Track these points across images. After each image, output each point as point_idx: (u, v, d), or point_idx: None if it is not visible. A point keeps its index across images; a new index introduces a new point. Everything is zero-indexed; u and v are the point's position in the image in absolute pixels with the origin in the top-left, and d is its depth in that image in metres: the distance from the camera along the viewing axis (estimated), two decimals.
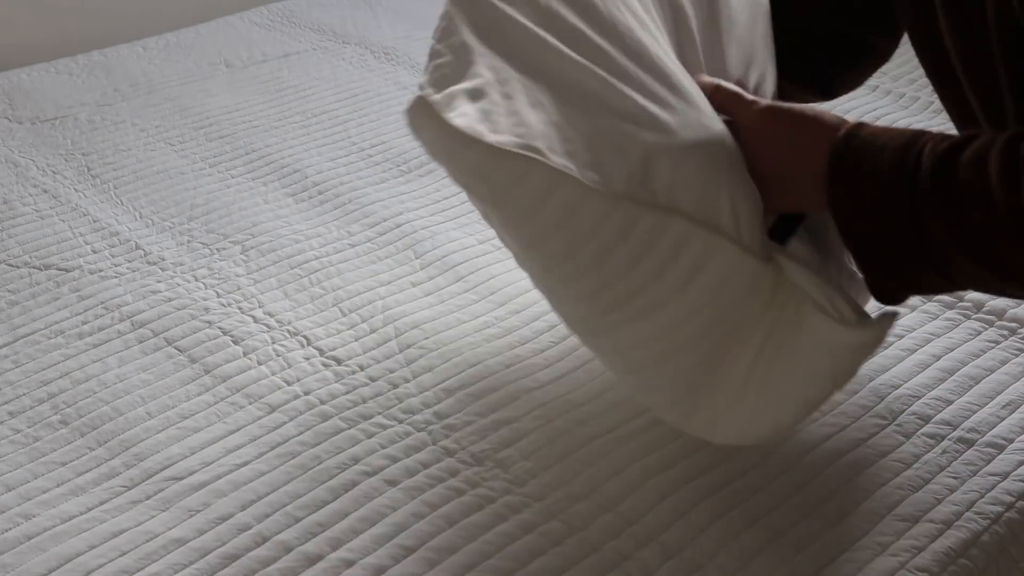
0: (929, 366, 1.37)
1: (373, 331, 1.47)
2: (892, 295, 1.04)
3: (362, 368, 1.41)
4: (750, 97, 1.08)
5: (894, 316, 1.05)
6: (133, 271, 1.62)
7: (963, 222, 0.91)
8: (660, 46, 1.09)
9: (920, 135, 0.96)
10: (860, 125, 1.00)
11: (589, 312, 1.10)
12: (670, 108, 1.02)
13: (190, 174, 1.88)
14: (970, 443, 1.26)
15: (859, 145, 0.97)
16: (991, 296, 1.48)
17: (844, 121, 1.01)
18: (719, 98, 1.08)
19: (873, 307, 1.11)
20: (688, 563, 1.12)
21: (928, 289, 1.03)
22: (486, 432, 1.29)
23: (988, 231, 0.90)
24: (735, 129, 1.07)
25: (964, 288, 1.02)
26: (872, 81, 2.15)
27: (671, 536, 1.14)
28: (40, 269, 1.63)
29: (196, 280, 1.59)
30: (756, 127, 1.05)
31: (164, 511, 1.20)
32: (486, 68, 1.04)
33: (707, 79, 1.12)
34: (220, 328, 1.48)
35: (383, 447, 1.28)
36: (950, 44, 1.03)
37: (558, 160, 0.98)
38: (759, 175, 1.05)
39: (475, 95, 1.01)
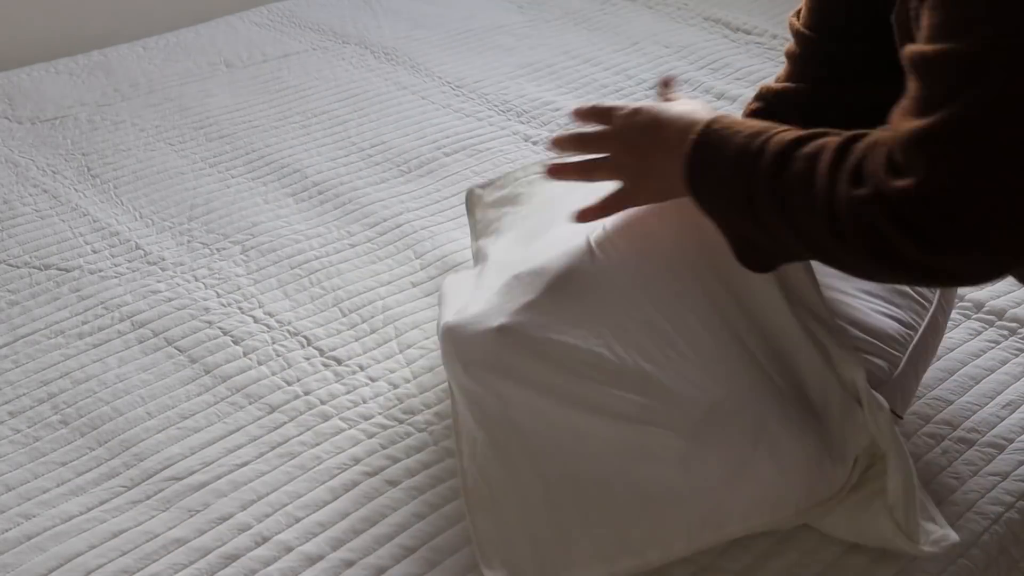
0: (929, 366, 1.37)
1: (373, 331, 1.47)
2: (749, 261, 1.07)
3: (362, 368, 1.41)
4: (621, 104, 1.15)
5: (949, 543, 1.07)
6: (133, 271, 1.62)
7: (787, 208, 0.96)
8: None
9: (773, 127, 1.00)
10: (721, 118, 1.05)
11: None
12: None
13: (190, 174, 1.88)
14: (970, 443, 1.25)
15: (716, 135, 1.03)
16: (991, 296, 1.48)
17: (711, 115, 1.07)
18: (593, 115, 1.16)
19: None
20: (689, 563, 1.11)
21: (779, 258, 1.06)
22: None
23: (807, 219, 0.94)
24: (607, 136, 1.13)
25: (805, 259, 1.06)
26: None
27: None
28: (40, 269, 1.63)
29: (196, 280, 1.59)
30: (626, 127, 1.13)
31: (164, 511, 1.20)
32: None
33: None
34: (220, 328, 1.48)
35: (383, 447, 1.28)
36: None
37: None
38: (631, 171, 1.12)
39: None
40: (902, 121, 0.88)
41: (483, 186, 1.48)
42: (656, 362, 1.08)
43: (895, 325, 1.22)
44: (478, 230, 1.43)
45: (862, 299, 1.22)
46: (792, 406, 1.08)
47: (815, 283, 1.15)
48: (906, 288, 1.27)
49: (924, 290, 1.28)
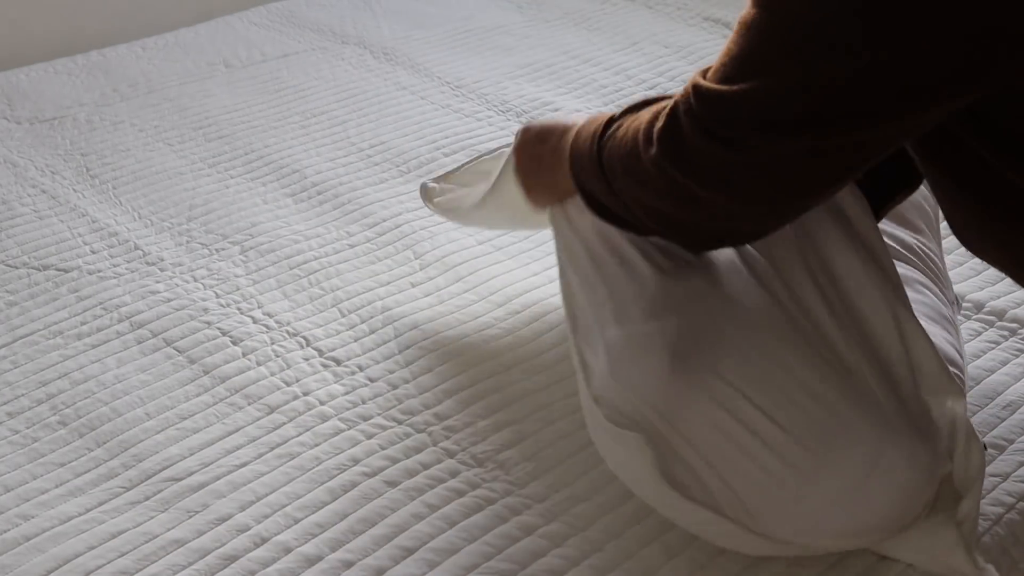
0: None
1: (372, 332, 1.47)
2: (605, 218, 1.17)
3: (361, 369, 1.40)
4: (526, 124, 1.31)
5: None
6: (132, 272, 1.62)
7: (609, 173, 1.10)
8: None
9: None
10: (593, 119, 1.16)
11: None
12: None
13: (189, 174, 1.88)
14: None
15: (583, 132, 1.16)
16: (992, 297, 1.48)
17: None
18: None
19: None
20: (691, 562, 1.11)
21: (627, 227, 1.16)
22: (487, 433, 1.29)
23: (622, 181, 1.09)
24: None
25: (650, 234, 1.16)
26: None
27: (674, 536, 1.14)
28: (39, 270, 1.63)
29: (195, 280, 1.59)
30: (523, 143, 1.29)
31: (163, 512, 1.20)
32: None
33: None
34: (219, 329, 1.48)
35: (383, 448, 1.28)
36: None
37: None
38: (530, 182, 1.28)
39: None
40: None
41: (436, 180, 1.53)
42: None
43: (953, 352, 1.23)
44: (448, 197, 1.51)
45: (926, 323, 1.23)
46: (904, 430, 1.07)
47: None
48: (944, 311, 1.29)
49: (948, 312, 1.30)
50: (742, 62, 0.94)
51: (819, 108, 0.92)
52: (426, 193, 1.52)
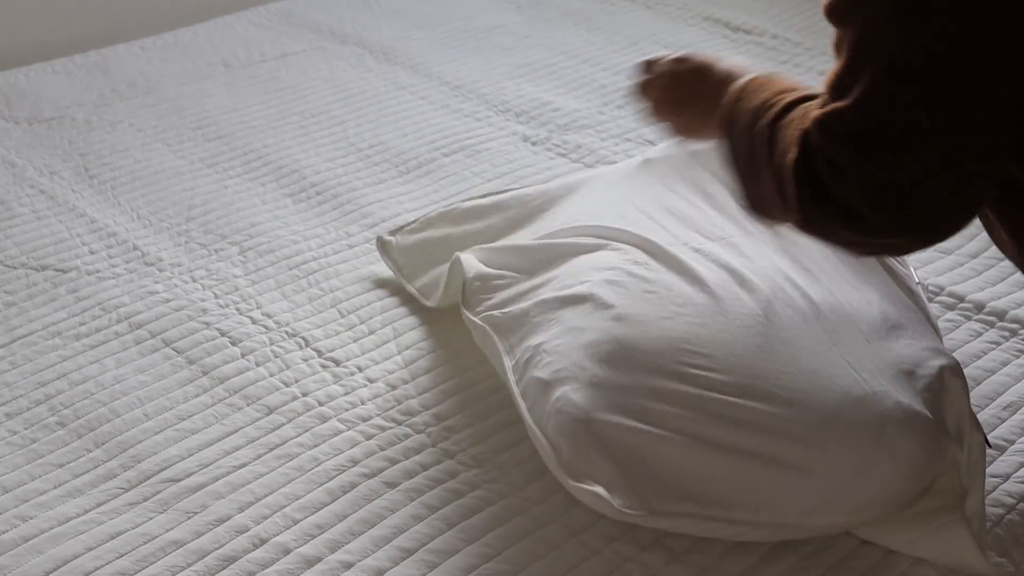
0: None
1: (372, 332, 1.47)
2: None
3: (360, 369, 1.40)
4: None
5: None
6: (130, 272, 1.61)
7: (761, 162, 1.09)
8: None
9: (791, 90, 1.11)
10: (755, 78, 1.16)
11: None
12: None
13: (188, 175, 1.87)
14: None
15: (743, 93, 1.15)
16: (992, 298, 1.48)
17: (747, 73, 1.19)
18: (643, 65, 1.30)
19: None
20: (693, 566, 1.11)
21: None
22: (486, 434, 1.28)
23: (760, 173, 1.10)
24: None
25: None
26: None
27: (675, 540, 1.14)
28: (37, 270, 1.63)
29: (194, 281, 1.59)
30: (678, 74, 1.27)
31: (162, 513, 1.20)
32: None
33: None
34: (218, 329, 1.48)
35: (382, 449, 1.28)
36: None
37: None
38: (681, 111, 1.27)
39: None
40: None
41: (393, 232, 1.58)
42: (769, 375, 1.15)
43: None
44: (406, 272, 1.54)
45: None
46: (906, 402, 1.12)
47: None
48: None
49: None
50: (848, 68, 0.99)
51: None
52: (383, 246, 1.57)
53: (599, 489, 1.11)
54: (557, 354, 1.21)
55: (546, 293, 1.31)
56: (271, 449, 1.28)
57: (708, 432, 1.11)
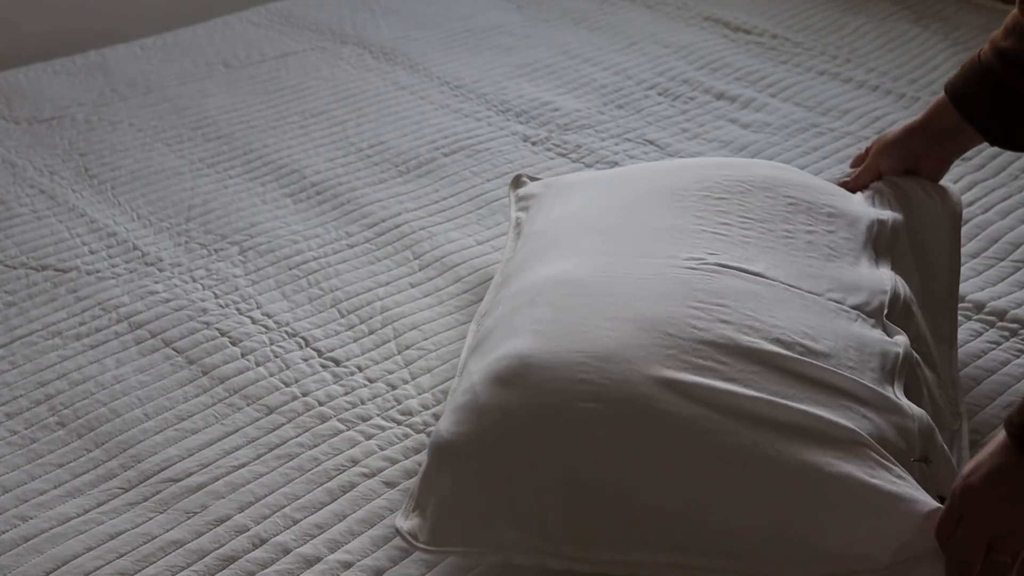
0: None
1: (371, 332, 1.47)
2: None
3: (360, 369, 1.40)
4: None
5: None
6: (130, 272, 1.61)
7: None
8: None
9: None
10: None
11: None
12: None
13: (188, 174, 1.87)
14: (972, 444, 1.25)
15: None
16: (992, 298, 1.48)
17: None
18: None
19: None
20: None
21: None
22: None
23: None
24: None
25: None
26: (873, 80, 2.14)
27: None
28: (37, 270, 1.63)
29: (194, 281, 1.59)
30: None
31: (162, 513, 1.20)
32: None
33: None
34: (218, 329, 1.48)
35: (382, 449, 1.28)
36: None
37: None
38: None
39: None
40: None
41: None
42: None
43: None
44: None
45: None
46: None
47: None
48: None
49: None
50: None
51: None
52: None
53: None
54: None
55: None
56: (271, 449, 1.28)
57: None
